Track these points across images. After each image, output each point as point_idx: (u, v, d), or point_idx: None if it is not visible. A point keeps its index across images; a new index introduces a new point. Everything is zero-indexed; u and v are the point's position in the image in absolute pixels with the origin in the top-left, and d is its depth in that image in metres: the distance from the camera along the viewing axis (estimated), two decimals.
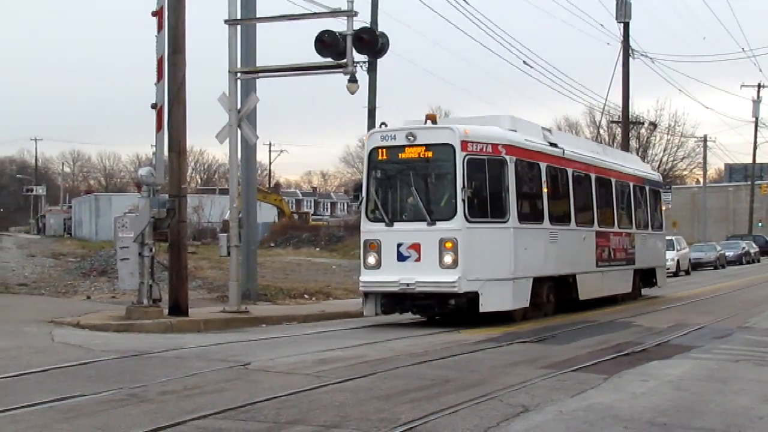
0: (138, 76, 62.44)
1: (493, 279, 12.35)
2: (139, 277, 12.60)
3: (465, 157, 12.12)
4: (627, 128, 35.51)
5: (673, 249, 29.12)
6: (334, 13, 13.66)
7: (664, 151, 49.37)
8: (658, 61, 35.03)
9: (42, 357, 9.50)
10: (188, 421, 5.94)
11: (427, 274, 12.04)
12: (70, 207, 69.90)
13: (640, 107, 50.42)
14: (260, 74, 15.15)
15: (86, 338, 11.52)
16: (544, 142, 14.44)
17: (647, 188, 19.89)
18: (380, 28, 17.09)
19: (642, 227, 19.12)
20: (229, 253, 13.73)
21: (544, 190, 13.87)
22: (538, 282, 13.57)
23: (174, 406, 6.58)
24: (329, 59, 13.56)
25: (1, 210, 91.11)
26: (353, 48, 13.34)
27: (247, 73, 14.78)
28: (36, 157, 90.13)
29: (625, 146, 33.77)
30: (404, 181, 12.88)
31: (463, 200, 12.01)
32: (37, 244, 44.09)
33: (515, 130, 13.53)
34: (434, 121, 13.07)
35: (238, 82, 14.25)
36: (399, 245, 12.35)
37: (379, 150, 12.89)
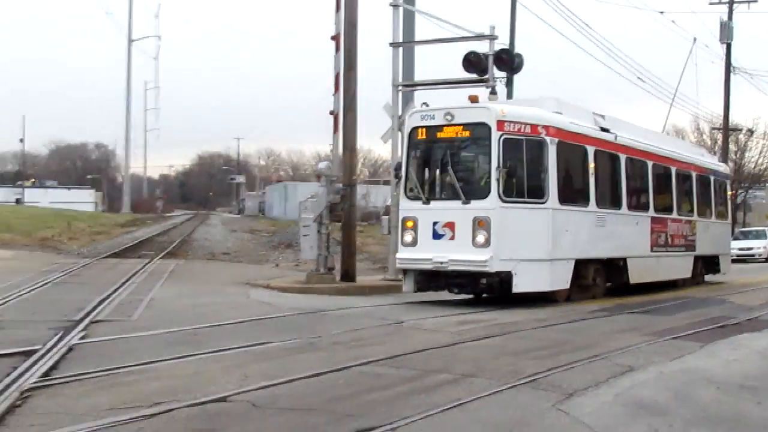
0: (318, 88, 75.13)
1: (528, 260, 12.14)
2: (317, 250, 15.65)
3: (501, 136, 11.94)
4: (727, 135, 42.85)
5: (765, 238, 36.35)
6: (479, 37, 16.52)
7: (760, 153, 53.03)
8: (756, 77, 41.82)
9: (238, 311, 11.78)
10: (353, 366, 7.25)
11: (460, 253, 11.96)
12: (264, 192, 79.96)
13: (738, 116, 56.02)
14: (417, 87, 17.60)
15: (274, 297, 14.15)
16: (595, 126, 14.20)
17: (712, 179, 19.79)
18: (516, 49, 20.56)
19: (705, 215, 19.07)
20: (389, 232, 15.76)
21: (591, 173, 13.65)
22: (583, 264, 13.46)
23: (342, 354, 8.01)
24: (474, 75, 15.99)
25: (212, 194, 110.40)
26: (494, 66, 15.96)
27: (407, 86, 17.15)
28: (238, 152, 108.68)
29: (724, 150, 41.29)
30: (441, 159, 12.61)
31: (497, 180, 11.86)
32: (238, 222, 51.99)
33: (560, 113, 13.26)
34: (475, 102, 12.89)
35: (399, 93, 16.66)
36: (434, 223, 12.30)
37: (419, 130, 12.83)
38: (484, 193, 12.12)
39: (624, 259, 14.78)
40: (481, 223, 11.87)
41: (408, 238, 12.71)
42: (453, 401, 5.86)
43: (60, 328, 9.31)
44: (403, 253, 12.82)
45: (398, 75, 16.66)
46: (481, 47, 16.16)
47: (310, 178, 67.01)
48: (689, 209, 18.22)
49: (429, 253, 12.27)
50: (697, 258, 18.52)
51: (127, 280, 16.13)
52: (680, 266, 17.68)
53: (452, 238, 12.15)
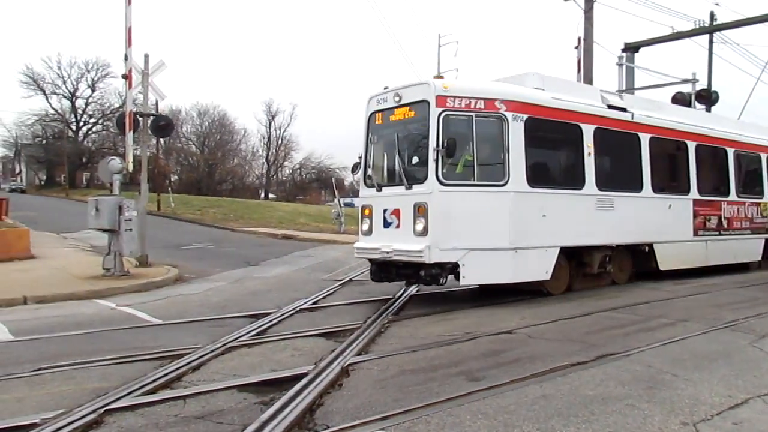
0: None
1: (482, 248, 10.88)
2: None
3: (441, 113, 10.83)
4: None
5: None
6: (684, 81, 22.00)
7: None
8: None
9: None
10: (597, 312, 10.42)
11: (403, 242, 11.11)
12: None
13: None
14: None
15: None
16: (599, 104, 13.06)
17: None
18: (714, 86, 24.95)
19: None
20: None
21: (588, 153, 12.45)
22: (585, 251, 12.62)
23: (589, 303, 11.33)
24: None
25: None
26: (696, 102, 20.70)
27: None
28: None
29: None
30: (392, 143, 11.70)
31: (436, 161, 10.72)
32: None
33: (542, 89, 12.15)
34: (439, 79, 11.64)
35: None
36: (385, 211, 11.57)
37: (376, 114, 12.06)
38: (424, 177, 10.97)
39: (650, 245, 13.87)
40: (420, 210, 10.91)
41: (365, 226, 12.07)
42: (671, 337, 8.31)
43: (401, 285, 13.33)
44: (360, 242, 12.15)
45: None
46: (685, 88, 21.60)
47: None
48: (756, 191, 17.35)
49: (378, 242, 11.57)
50: None
51: None
52: (744, 250, 16.70)
53: (398, 226, 11.33)
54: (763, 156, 17.69)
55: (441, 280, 10.96)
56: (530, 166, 11.40)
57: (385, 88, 12.06)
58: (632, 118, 13.54)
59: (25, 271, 16.42)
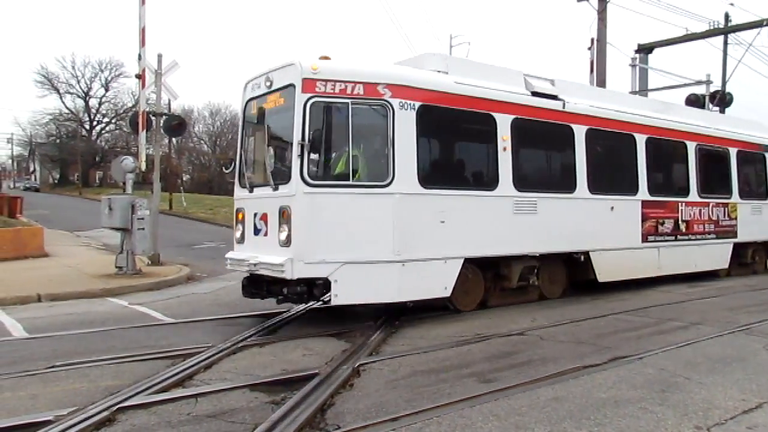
0: None
1: (359, 262, 9.02)
2: None
3: (308, 100, 8.94)
4: None
5: None
6: (698, 82, 22.12)
7: None
8: None
9: None
10: (610, 314, 10.40)
11: (268, 253, 9.31)
12: None
13: None
14: None
15: None
16: (523, 91, 11.16)
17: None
18: (728, 88, 25.15)
19: (754, 197, 16.24)
20: None
21: (504, 148, 10.62)
22: (503, 262, 10.87)
23: (602, 306, 11.32)
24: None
25: None
26: (709, 103, 20.74)
27: None
28: None
29: None
30: (263, 137, 9.72)
31: (300, 157, 8.85)
32: None
33: (446, 72, 10.35)
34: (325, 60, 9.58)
35: None
36: (255, 215, 9.81)
37: (251, 103, 10.27)
38: (289, 177, 9.11)
39: (586, 253, 12.02)
40: (284, 215, 9.13)
41: (237, 233, 10.35)
42: (684, 341, 8.25)
43: None
44: (232, 252, 10.35)
45: None
46: (699, 89, 21.82)
47: None
48: (723, 190, 15.42)
49: (247, 253, 9.85)
50: (741, 245, 15.89)
51: None
52: (707, 256, 14.85)
53: (266, 233, 9.57)
54: (732, 151, 15.77)
55: (307, 298, 9.14)
56: (425, 164, 9.69)
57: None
58: (564, 107, 11.68)
59: (39, 269, 16.55)
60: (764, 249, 16.91)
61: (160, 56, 18.34)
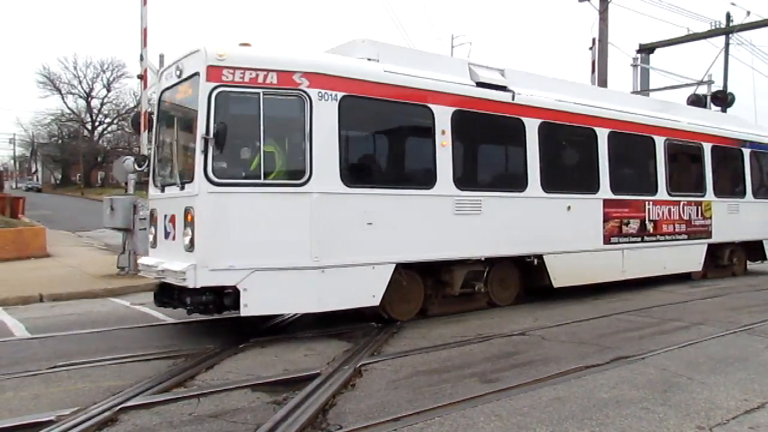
0: None
1: (272, 268, 8.17)
2: None
3: (213, 89, 8.09)
4: None
5: None
6: (700, 83, 22.08)
7: None
8: None
9: None
10: (612, 314, 10.37)
11: (174, 258, 8.52)
12: None
13: None
14: None
15: None
16: (467, 81, 10.31)
17: (747, 151, 15.90)
18: (729, 88, 25.44)
19: (730, 195, 15.42)
20: None
21: (442, 143, 9.71)
22: (444, 267, 10.06)
23: (603, 306, 11.27)
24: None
25: None
26: (712, 103, 21.25)
27: None
28: None
29: None
30: (173, 131, 9.33)
31: (204, 153, 8.01)
32: None
33: (376, 60, 9.49)
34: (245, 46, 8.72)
35: None
36: (165, 217, 8.98)
37: (164, 93, 9.47)
38: (192, 175, 8.28)
39: (540, 256, 11.20)
40: (188, 217, 8.28)
41: (150, 236, 9.59)
42: (686, 341, 8.24)
43: None
44: (144, 257, 9.66)
45: None
46: (701, 89, 21.72)
47: None
48: (696, 188, 14.57)
49: (156, 258, 9.09)
50: (717, 246, 15.14)
51: None
52: (678, 258, 14.00)
53: (174, 237, 8.73)
54: (707, 146, 14.78)
55: (217, 309, 8.24)
56: (349, 160, 8.82)
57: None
58: (513, 99, 10.79)
59: (41, 269, 16.57)
60: (743, 250, 16.15)
61: (162, 57, 18.30)
